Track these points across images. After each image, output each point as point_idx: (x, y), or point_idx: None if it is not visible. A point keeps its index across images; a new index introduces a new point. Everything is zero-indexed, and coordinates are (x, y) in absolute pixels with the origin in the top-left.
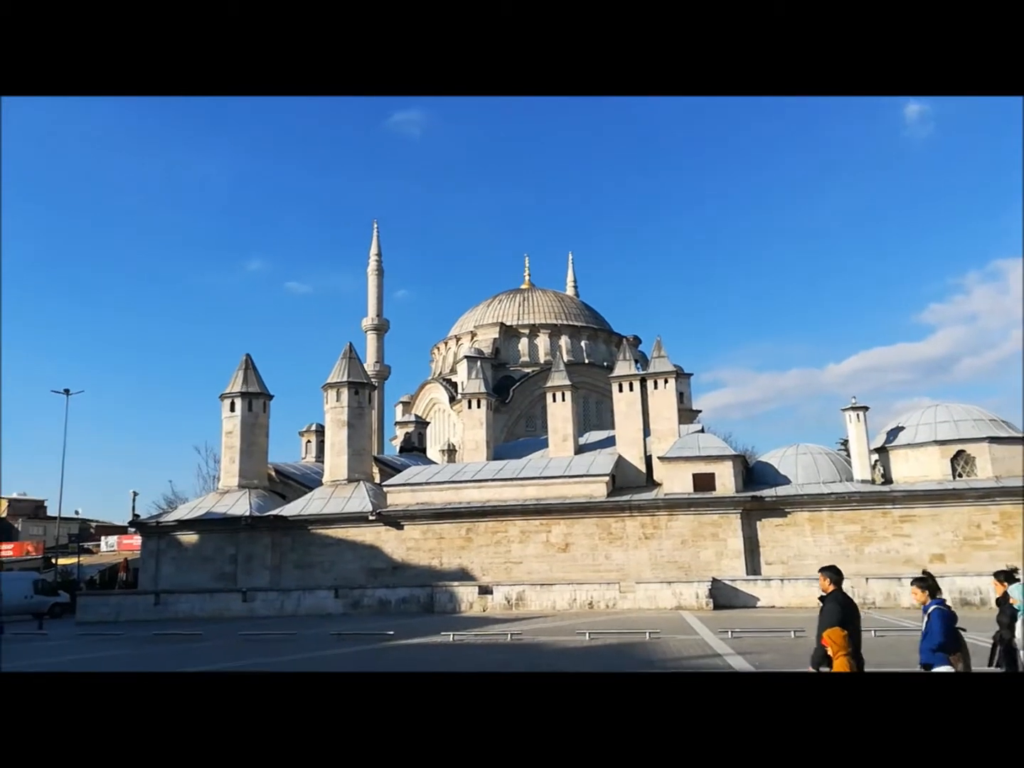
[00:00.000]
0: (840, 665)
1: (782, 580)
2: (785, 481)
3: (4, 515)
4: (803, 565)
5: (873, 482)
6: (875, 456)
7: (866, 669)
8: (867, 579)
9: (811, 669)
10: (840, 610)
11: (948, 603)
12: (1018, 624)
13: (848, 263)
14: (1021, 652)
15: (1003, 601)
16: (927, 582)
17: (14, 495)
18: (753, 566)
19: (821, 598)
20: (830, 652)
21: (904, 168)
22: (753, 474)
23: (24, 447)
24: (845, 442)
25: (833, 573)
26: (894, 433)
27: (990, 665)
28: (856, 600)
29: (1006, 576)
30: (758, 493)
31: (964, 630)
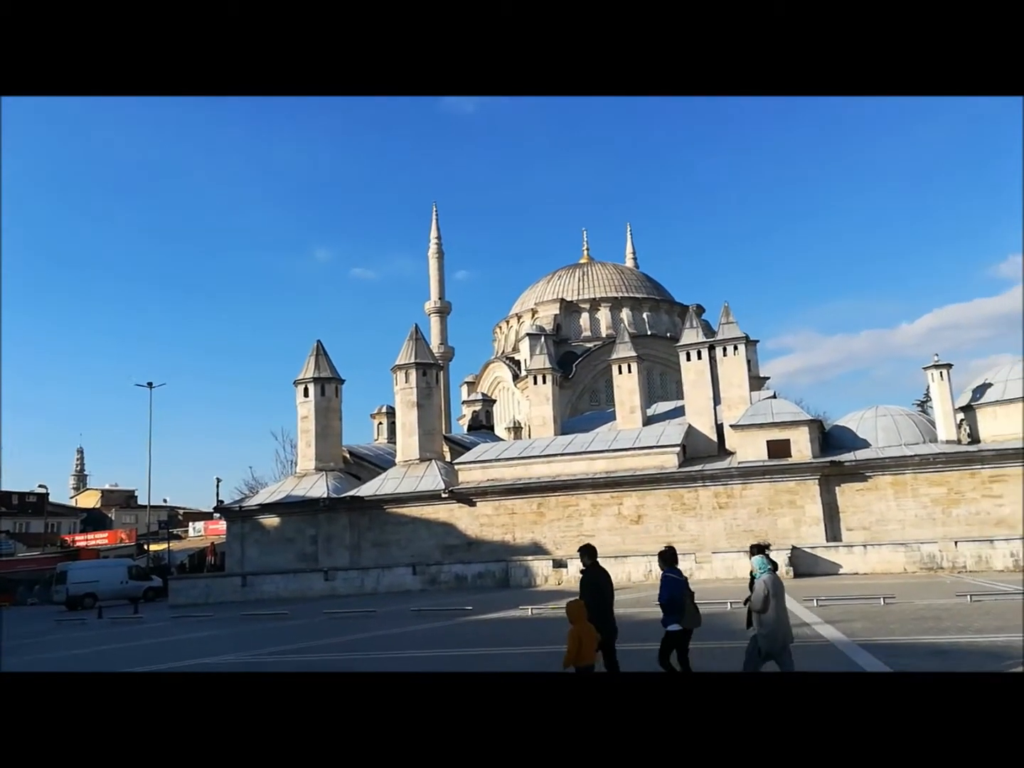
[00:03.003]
0: (575, 631)
1: (865, 546)
2: (864, 445)
3: (98, 505)
4: (886, 531)
5: (959, 442)
6: (959, 415)
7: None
8: (956, 542)
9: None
10: (584, 584)
11: (681, 573)
12: (756, 588)
13: (918, 216)
14: (755, 615)
15: None
16: (665, 556)
17: (106, 486)
18: (833, 533)
19: (581, 571)
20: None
21: (977, 114)
22: (830, 439)
23: (113, 440)
24: (921, 403)
25: (584, 553)
26: (981, 390)
27: (748, 627)
28: (945, 564)
29: (758, 549)
30: (837, 458)
31: (694, 592)
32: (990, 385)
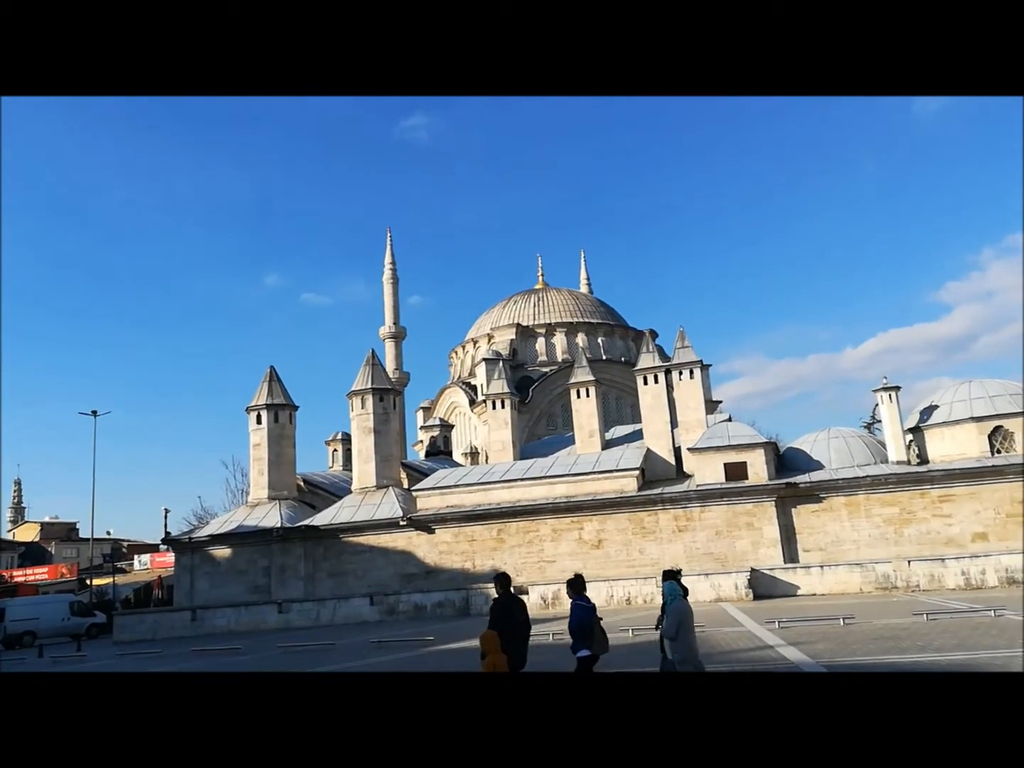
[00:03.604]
0: (489, 661)
1: (822, 567)
2: (818, 466)
3: (37, 539)
4: (842, 551)
5: (909, 463)
6: (908, 436)
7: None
8: (909, 562)
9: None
10: (496, 615)
11: (589, 600)
12: (668, 615)
13: (861, 244)
14: (666, 641)
15: None
16: (573, 583)
17: (46, 519)
18: (790, 554)
19: (494, 600)
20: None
21: (913, 144)
22: (785, 461)
23: (54, 471)
24: (868, 425)
25: (497, 583)
26: (928, 412)
27: (661, 652)
28: (899, 583)
29: (669, 575)
30: (792, 480)
31: (602, 618)
32: (937, 407)
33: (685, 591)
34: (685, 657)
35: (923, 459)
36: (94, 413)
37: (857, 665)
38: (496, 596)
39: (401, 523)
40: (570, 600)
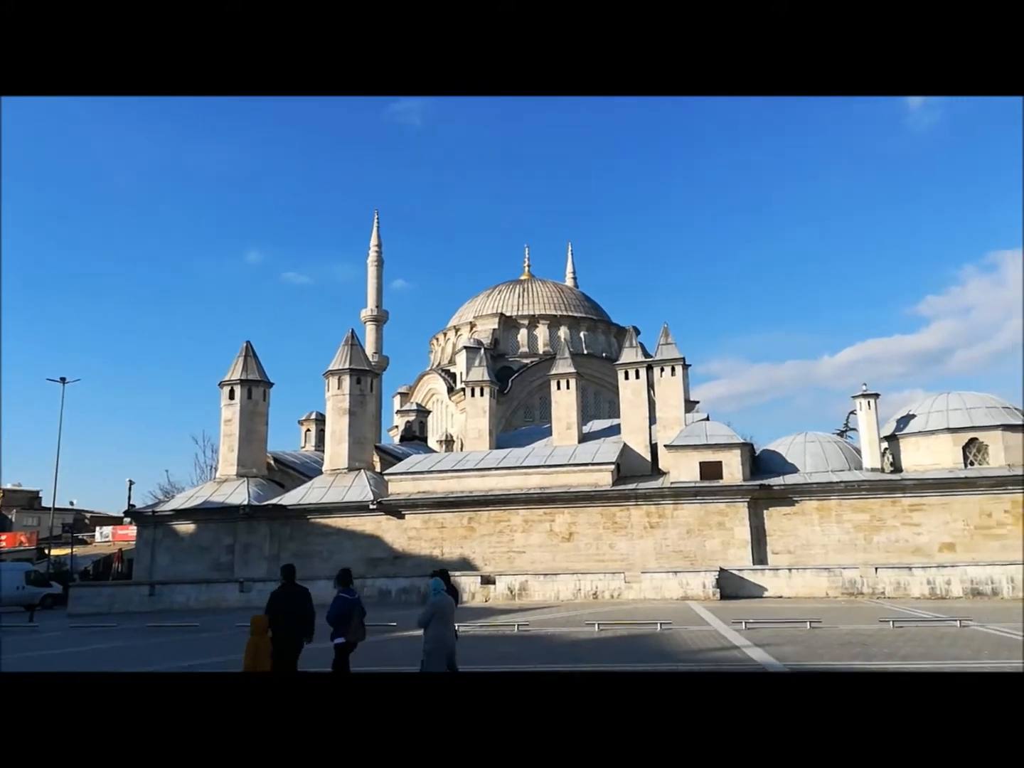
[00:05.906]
0: (252, 642)
1: (790, 570)
2: (793, 470)
3: None
4: (811, 555)
5: (882, 470)
6: (883, 444)
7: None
8: (876, 569)
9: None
10: (272, 601)
11: (354, 593)
12: (425, 609)
13: (843, 254)
14: (422, 631)
15: None
16: (340, 577)
17: (8, 486)
18: (760, 556)
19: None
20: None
21: (902, 157)
22: (760, 463)
23: (19, 438)
24: (841, 433)
25: (282, 573)
26: (904, 421)
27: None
28: (866, 590)
29: (438, 572)
30: (766, 482)
31: (364, 611)
32: (914, 416)
33: (451, 588)
34: (433, 648)
35: (896, 467)
36: (63, 380)
37: (825, 670)
38: (280, 584)
39: (371, 506)
40: (336, 592)
